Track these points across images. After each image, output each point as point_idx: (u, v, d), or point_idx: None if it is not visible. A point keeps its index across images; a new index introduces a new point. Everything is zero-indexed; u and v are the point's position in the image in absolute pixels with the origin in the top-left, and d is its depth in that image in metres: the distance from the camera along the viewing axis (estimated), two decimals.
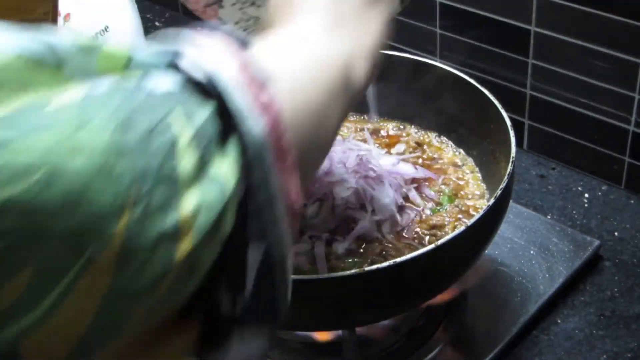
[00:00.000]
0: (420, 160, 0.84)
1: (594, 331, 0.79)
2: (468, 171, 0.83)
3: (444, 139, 0.88)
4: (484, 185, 0.81)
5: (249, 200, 0.35)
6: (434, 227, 0.75)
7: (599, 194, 0.96)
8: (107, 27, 1.02)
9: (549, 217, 0.93)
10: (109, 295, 0.30)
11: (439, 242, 0.62)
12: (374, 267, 0.61)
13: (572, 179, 0.99)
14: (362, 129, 0.89)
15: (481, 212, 0.65)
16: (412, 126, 0.89)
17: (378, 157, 0.79)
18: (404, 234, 0.74)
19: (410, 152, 0.86)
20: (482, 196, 0.80)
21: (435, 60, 0.92)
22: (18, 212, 0.28)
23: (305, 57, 0.47)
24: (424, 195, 0.79)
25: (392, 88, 0.87)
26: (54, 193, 0.28)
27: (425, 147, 0.87)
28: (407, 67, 0.86)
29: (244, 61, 0.37)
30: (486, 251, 0.73)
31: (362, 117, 0.92)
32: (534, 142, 1.03)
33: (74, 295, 0.29)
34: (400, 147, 0.86)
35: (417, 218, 0.76)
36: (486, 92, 0.79)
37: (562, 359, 0.77)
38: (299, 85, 0.44)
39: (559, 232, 0.89)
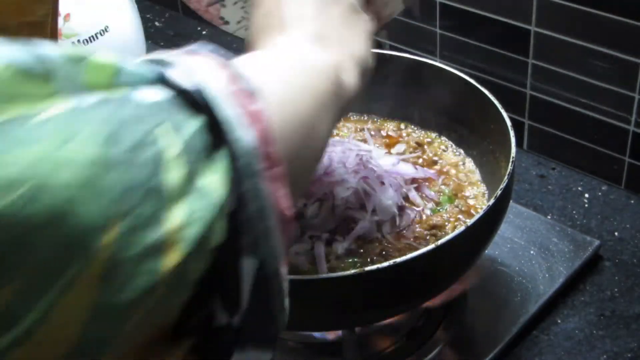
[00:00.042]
0: (420, 160, 0.85)
1: (594, 331, 0.79)
2: (468, 171, 0.83)
3: (444, 139, 0.88)
4: (484, 185, 0.81)
5: (240, 211, 0.35)
6: (434, 227, 0.75)
7: (599, 194, 0.96)
8: (107, 27, 1.02)
9: (549, 217, 0.93)
10: (96, 310, 0.30)
11: (439, 242, 0.62)
12: (374, 267, 0.61)
13: (572, 179, 0.99)
14: (362, 129, 0.89)
15: (481, 212, 0.65)
16: (412, 126, 0.89)
17: (378, 157, 0.79)
18: (404, 234, 0.74)
19: (410, 152, 0.86)
20: (482, 196, 0.80)
21: (435, 60, 0.92)
22: (2, 226, 0.27)
23: (294, 66, 0.48)
24: (424, 195, 0.79)
25: (392, 88, 0.87)
26: (39, 207, 0.28)
27: (425, 147, 0.87)
28: (407, 67, 0.86)
29: (232, 73, 0.37)
30: (486, 251, 0.73)
31: (362, 117, 0.92)
32: (534, 142, 1.03)
33: (59, 310, 0.29)
34: (400, 147, 0.86)
35: (417, 218, 0.76)
36: (486, 92, 0.79)
37: (562, 359, 0.77)
38: (288, 96, 0.44)
39: (559, 232, 0.89)
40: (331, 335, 0.77)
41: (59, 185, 0.29)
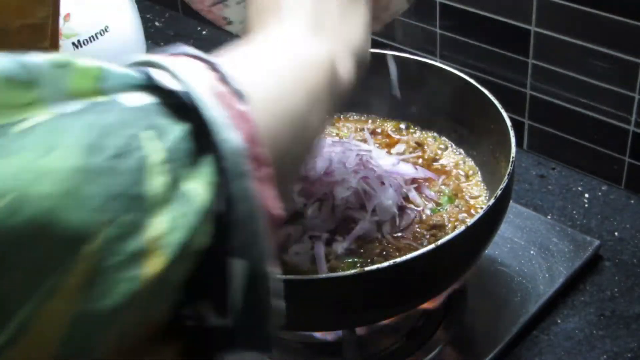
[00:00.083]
0: (420, 161, 0.85)
1: (594, 331, 0.79)
2: (468, 171, 0.83)
3: (444, 139, 0.88)
4: (484, 185, 0.81)
5: (228, 213, 0.35)
6: (434, 227, 0.75)
7: (599, 194, 0.96)
8: (107, 27, 1.02)
9: (549, 217, 0.93)
10: (77, 319, 0.30)
11: (439, 242, 0.62)
12: (374, 267, 0.61)
13: (572, 179, 0.99)
14: (362, 129, 0.90)
15: (481, 212, 0.65)
16: (412, 126, 0.89)
17: (378, 157, 0.79)
18: (404, 234, 0.74)
19: (410, 152, 0.86)
20: (482, 196, 0.80)
21: (435, 60, 0.92)
22: None
23: (287, 60, 0.47)
24: (424, 195, 0.79)
25: (393, 88, 0.87)
26: (22, 219, 0.28)
27: (425, 147, 0.87)
28: (407, 67, 0.86)
29: (218, 74, 0.37)
30: (486, 251, 0.73)
31: (362, 117, 0.92)
32: (534, 142, 1.03)
33: (40, 319, 0.29)
34: (400, 147, 0.86)
35: (417, 218, 0.76)
36: (486, 92, 0.79)
37: (562, 359, 0.77)
38: (279, 91, 0.44)
39: (559, 232, 0.89)
40: (331, 335, 0.77)
41: (41, 197, 0.28)
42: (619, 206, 0.94)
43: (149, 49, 1.13)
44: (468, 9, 1.00)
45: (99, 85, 0.33)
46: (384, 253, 0.72)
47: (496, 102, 0.77)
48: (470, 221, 0.64)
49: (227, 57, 0.43)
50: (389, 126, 0.90)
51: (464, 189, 0.81)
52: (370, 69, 0.88)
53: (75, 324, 0.30)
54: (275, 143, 0.39)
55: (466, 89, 0.81)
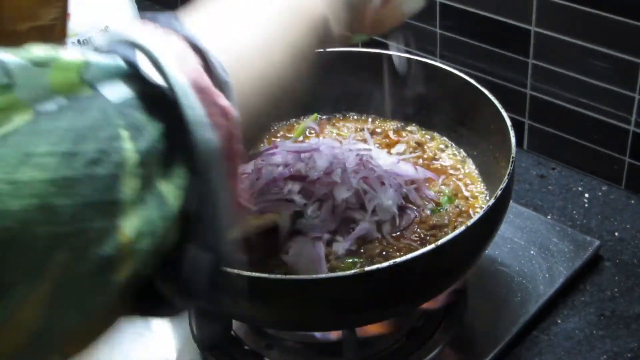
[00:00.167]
0: (420, 161, 0.84)
1: (594, 331, 0.79)
2: (468, 171, 0.83)
3: (444, 139, 0.88)
4: (484, 185, 0.81)
5: (198, 212, 0.35)
6: (434, 227, 0.75)
7: (599, 194, 0.96)
8: (107, 27, 1.02)
9: (549, 217, 0.93)
10: (45, 324, 0.30)
11: (439, 242, 0.62)
12: (374, 267, 0.61)
13: (572, 179, 0.99)
14: (362, 129, 0.90)
15: (481, 212, 0.65)
16: (412, 126, 0.89)
17: (378, 157, 0.79)
18: (404, 235, 0.74)
19: (410, 152, 0.86)
20: (482, 196, 0.80)
21: (435, 60, 0.92)
22: None
23: (279, 9, 0.46)
24: (424, 195, 0.79)
25: (393, 88, 0.87)
26: None
27: (425, 147, 0.87)
28: (408, 67, 0.86)
29: (204, 60, 0.37)
30: (486, 251, 0.73)
31: (362, 117, 0.92)
32: (534, 142, 1.03)
33: (9, 324, 0.29)
34: (400, 147, 0.86)
35: (417, 218, 0.76)
36: (486, 92, 0.79)
37: (562, 359, 0.77)
38: (262, 47, 0.43)
39: (559, 232, 0.89)
40: (331, 335, 0.77)
41: (14, 212, 0.28)
42: (619, 206, 0.94)
43: None
44: (468, 9, 1.00)
45: (82, 76, 0.33)
46: (384, 253, 0.72)
47: (496, 102, 0.77)
48: (470, 221, 0.64)
49: (214, 8, 0.42)
50: (389, 126, 0.90)
51: (464, 189, 0.81)
52: (371, 69, 0.88)
53: (43, 328, 0.30)
54: (248, 102, 0.40)
55: (466, 89, 0.81)
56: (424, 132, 0.89)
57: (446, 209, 0.78)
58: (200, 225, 0.36)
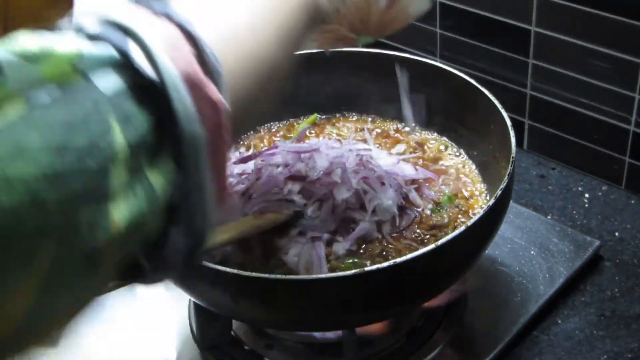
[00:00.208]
0: (420, 161, 0.84)
1: (594, 331, 0.79)
2: (468, 171, 0.83)
3: (444, 139, 0.88)
4: (484, 185, 0.81)
5: (183, 203, 0.36)
6: (434, 227, 0.75)
7: (599, 194, 0.96)
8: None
9: (549, 217, 0.93)
10: (33, 312, 0.31)
11: (439, 242, 0.62)
12: (374, 267, 0.61)
13: (572, 179, 0.99)
14: (362, 129, 0.89)
15: (481, 212, 0.65)
16: (412, 126, 0.89)
17: (378, 157, 0.79)
18: (404, 235, 0.74)
19: (411, 152, 0.86)
20: (482, 196, 0.80)
21: (435, 60, 0.92)
22: None
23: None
24: (424, 195, 0.79)
25: (392, 88, 0.87)
26: None
27: (425, 147, 0.87)
28: (408, 67, 0.86)
29: (198, 50, 0.37)
30: (486, 251, 0.73)
31: (362, 117, 0.92)
32: (534, 142, 1.03)
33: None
34: (400, 147, 0.86)
35: (417, 218, 0.76)
36: (486, 92, 0.79)
37: (562, 359, 0.77)
38: (255, 31, 0.44)
39: (559, 232, 0.89)
40: (331, 335, 0.77)
41: (7, 208, 0.29)
42: (619, 206, 0.94)
43: None
44: (468, 9, 1.00)
45: (75, 67, 0.33)
46: (384, 253, 0.72)
47: (496, 102, 0.77)
48: (470, 221, 0.64)
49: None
50: (389, 126, 0.90)
51: (464, 189, 0.81)
52: (371, 69, 0.88)
53: (32, 315, 0.31)
54: (236, 84, 0.40)
55: (466, 89, 0.81)
56: (424, 132, 0.89)
57: (446, 209, 0.78)
58: (185, 213, 0.36)
